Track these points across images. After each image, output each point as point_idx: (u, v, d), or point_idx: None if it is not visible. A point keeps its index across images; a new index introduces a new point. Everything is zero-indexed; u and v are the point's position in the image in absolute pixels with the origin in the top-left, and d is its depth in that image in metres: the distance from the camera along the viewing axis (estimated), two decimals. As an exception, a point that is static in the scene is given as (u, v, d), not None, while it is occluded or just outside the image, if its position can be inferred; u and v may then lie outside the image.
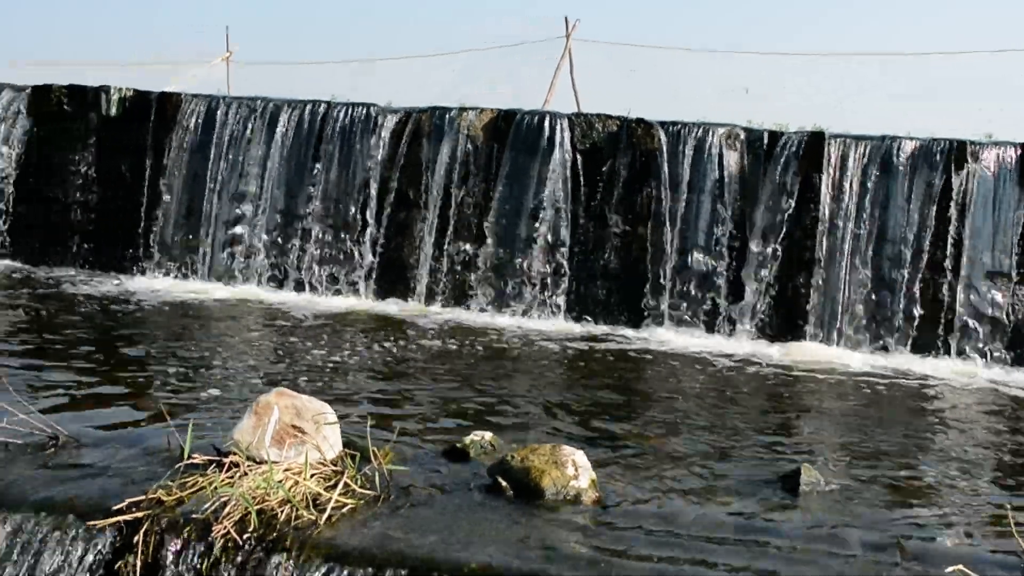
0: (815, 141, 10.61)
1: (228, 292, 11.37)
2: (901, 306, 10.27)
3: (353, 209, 11.51)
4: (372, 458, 5.02)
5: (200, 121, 12.24)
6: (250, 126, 12.02)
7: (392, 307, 11.00)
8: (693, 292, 10.70)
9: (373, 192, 11.46)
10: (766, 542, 4.65)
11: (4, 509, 4.71)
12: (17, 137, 12.89)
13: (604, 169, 11.03)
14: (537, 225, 11.02)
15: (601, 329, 10.61)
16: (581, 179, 11.05)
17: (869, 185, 10.43)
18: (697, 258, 10.74)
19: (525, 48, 20.14)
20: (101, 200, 12.60)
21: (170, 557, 4.39)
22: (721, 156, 10.78)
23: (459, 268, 11.21)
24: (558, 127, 11.15)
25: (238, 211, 11.88)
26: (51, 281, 11.53)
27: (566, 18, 19.99)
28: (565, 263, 10.98)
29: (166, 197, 12.21)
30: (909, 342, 10.23)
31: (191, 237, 12.07)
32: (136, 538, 4.43)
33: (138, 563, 4.39)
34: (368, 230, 11.43)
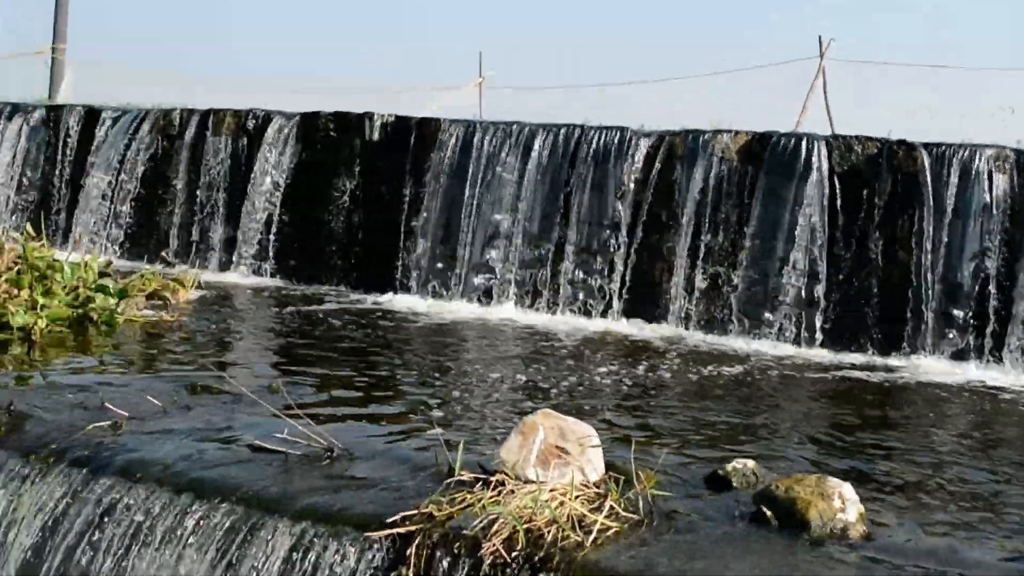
0: (1095, 162, 10.02)
1: (482, 312, 11.62)
2: None
3: (605, 232, 11.58)
4: (635, 482, 5.03)
5: (458, 145, 12.59)
6: (505, 150, 12.27)
7: (643, 330, 10.99)
8: (958, 320, 10.25)
9: (625, 215, 11.51)
10: (1052, 588, 4.42)
11: (286, 517, 4.97)
12: (286, 162, 13.57)
13: (863, 193, 10.72)
14: (793, 250, 10.81)
15: (859, 357, 10.29)
16: (839, 203, 10.77)
17: None
18: (962, 285, 10.29)
19: (776, 69, 19.86)
20: (362, 222, 13.11)
21: (441, 571, 4.52)
22: (990, 179, 10.31)
23: (712, 293, 11.11)
24: (815, 150, 10.92)
25: (493, 233, 12.14)
26: (315, 299, 12.07)
27: (820, 37, 19.62)
28: (822, 289, 10.71)
29: (424, 219, 12.60)
30: None
31: (447, 258, 12.40)
32: (409, 551, 4.59)
33: (410, 575, 4.55)
34: (620, 253, 11.47)
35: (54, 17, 24.87)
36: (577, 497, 4.80)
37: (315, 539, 4.81)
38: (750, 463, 5.60)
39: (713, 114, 12.25)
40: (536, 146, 12.11)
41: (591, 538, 4.52)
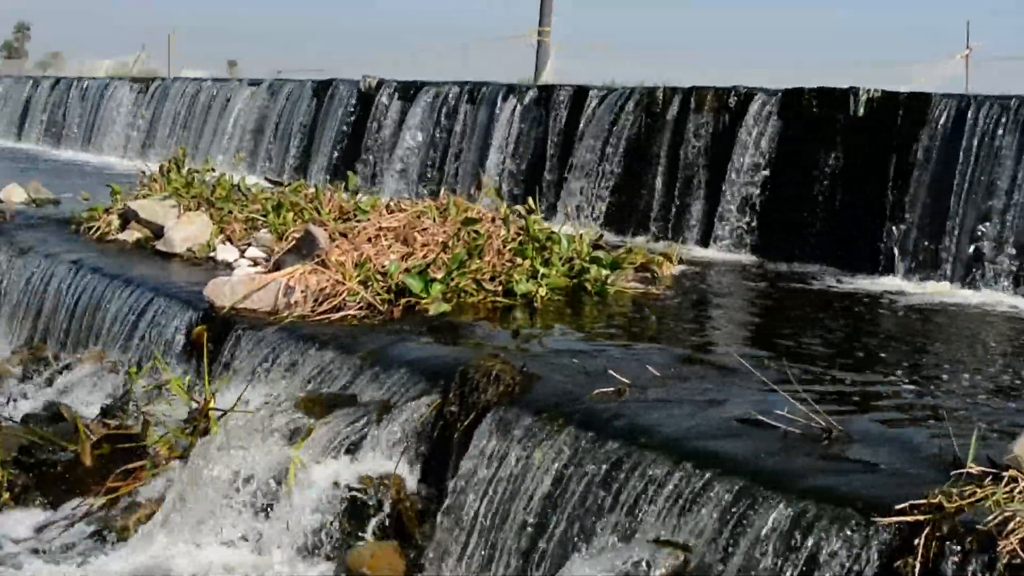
0: None
1: (972, 296, 11.02)
2: None
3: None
4: None
5: (949, 121, 12.01)
6: (1002, 126, 11.56)
7: None
8: None
9: None
10: None
11: (787, 494, 5.03)
12: (767, 139, 13.54)
13: None
14: None
15: None
16: None
17: None
18: None
19: None
20: (844, 200, 12.83)
21: (951, 564, 4.40)
22: None
23: None
24: None
25: (986, 214, 11.48)
26: (794, 277, 12.00)
27: None
28: None
29: (910, 199, 12.13)
30: None
31: (934, 239, 11.86)
32: (917, 541, 4.50)
33: (917, 565, 4.46)
34: None
35: (540, 1, 26.26)
36: (1098, 501, 4.51)
37: (817, 519, 4.83)
38: None
39: None
40: (1036, 120, 11.32)
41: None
